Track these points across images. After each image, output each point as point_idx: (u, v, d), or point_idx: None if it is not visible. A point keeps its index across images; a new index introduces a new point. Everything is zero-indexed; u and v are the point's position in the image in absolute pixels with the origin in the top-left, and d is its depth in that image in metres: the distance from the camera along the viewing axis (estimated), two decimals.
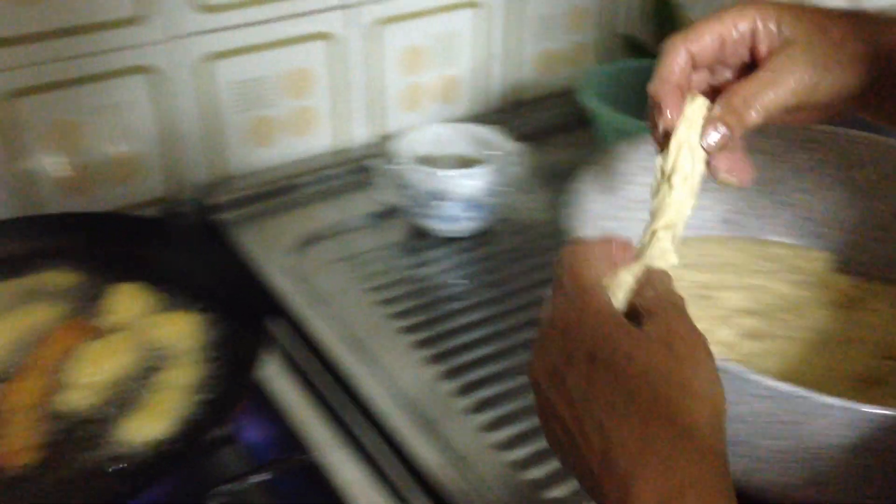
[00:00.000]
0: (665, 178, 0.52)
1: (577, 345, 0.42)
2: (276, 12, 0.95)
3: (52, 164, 0.90)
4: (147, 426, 0.66)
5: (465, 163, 0.97)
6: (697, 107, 0.53)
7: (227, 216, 0.98)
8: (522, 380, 0.77)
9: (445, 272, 0.93)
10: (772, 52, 0.53)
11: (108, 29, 0.86)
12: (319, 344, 0.81)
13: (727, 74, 0.56)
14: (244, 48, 0.95)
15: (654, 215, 0.52)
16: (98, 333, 0.74)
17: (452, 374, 0.79)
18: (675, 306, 0.44)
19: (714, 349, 0.43)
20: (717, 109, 0.52)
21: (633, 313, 0.45)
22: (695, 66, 0.54)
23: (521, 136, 0.99)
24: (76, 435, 0.66)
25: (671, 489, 0.37)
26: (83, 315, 0.76)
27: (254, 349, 0.68)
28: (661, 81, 0.53)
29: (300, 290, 0.88)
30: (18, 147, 0.87)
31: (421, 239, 0.98)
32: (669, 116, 0.52)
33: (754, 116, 0.52)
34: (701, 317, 0.60)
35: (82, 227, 0.84)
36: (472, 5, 1.10)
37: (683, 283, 0.52)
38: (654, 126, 0.54)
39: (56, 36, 0.84)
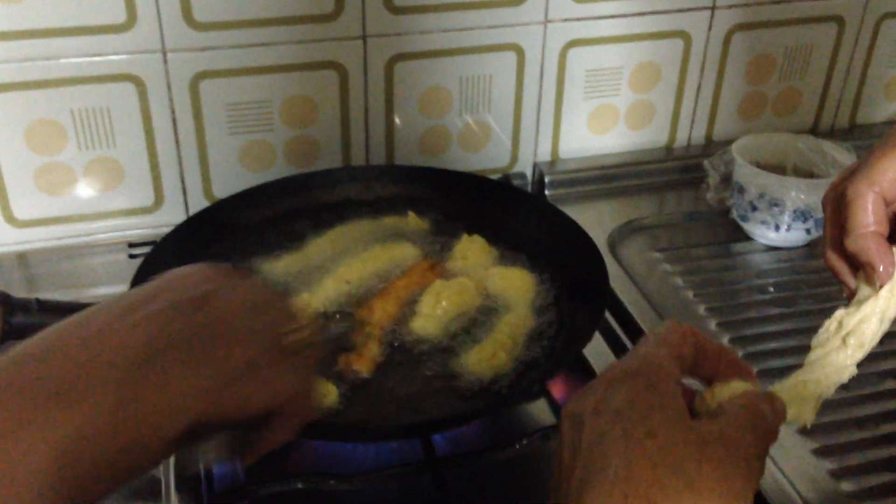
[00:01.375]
0: (840, 332, 0.49)
1: (628, 402, 0.41)
2: (635, 8, 1.00)
3: (411, 124, 1.01)
4: (484, 360, 0.74)
5: (804, 174, 0.96)
6: None
7: (557, 192, 1.05)
8: (838, 392, 0.76)
9: (762, 278, 0.94)
10: None
11: (490, 7, 0.95)
12: (630, 323, 0.85)
13: None
14: (601, 38, 1.01)
15: (812, 364, 0.49)
16: (447, 275, 0.83)
17: (762, 373, 0.79)
18: (750, 421, 0.42)
19: None
20: None
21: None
22: (887, 205, 0.49)
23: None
24: (420, 357, 0.75)
25: None
26: (435, 257, 0.86)
27: (592, 318, 0.73)
28: (861, 236, 0.48)
29: (616, 272, 0.92)
30: (393, 105, 0.99)
31: (741, 243, 0.99)
32: (882, 270, 0.48)
33: None
34: None
35: (441, 182, 0.93)
36: (834, 19, 1.08)
37: None
38: (845, 283, 0.51)
39: (442, 9, 0.94)
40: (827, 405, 0.73)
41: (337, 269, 0.82)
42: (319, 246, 0.86)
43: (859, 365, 0.77)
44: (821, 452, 0.71)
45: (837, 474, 0.69)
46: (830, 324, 0.50)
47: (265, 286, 0.52)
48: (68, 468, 0.38)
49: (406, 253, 0.86)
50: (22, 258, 0.95)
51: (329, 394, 0.70)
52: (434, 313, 0.78)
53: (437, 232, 0.90)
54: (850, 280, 0.52)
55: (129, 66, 0.88)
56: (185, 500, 0.68)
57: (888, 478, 0.69)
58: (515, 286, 0.82)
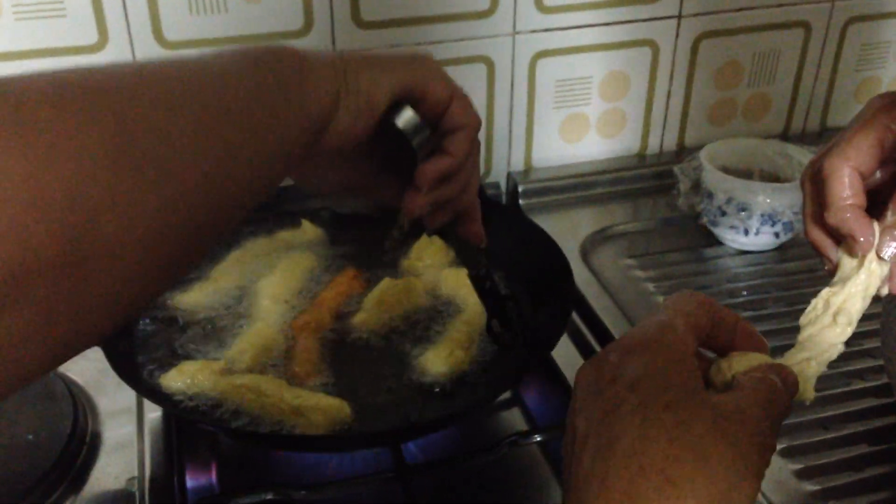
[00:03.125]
0: (828, 310, 0.50)
1: (638, 370, 0.41)
2: (603, 18, 1.01)
3: None
4: (441, 359, 0.74)
5: (771, 178, 0.97)
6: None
7: (531, 202, 1.06)
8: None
9: (732, 282, 0.95)
10: None
11: (458, 20, 0.96)
12: (603, 330, 0.86)
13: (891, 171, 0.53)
14: (570, 48, 1.02)
15: (805, 342, 0.50)
16: (374, 281, 0.84)
17: None
18: (765, 396, 0.42)
19: None
20: (890, 217, 0.50)
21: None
22: (863, 179, 0.50)
23: None
24: (372, 357, 0.76)
25: None
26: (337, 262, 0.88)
27: (558, 324, 0.74)
28: (840, 209, 0.50)
29: (588, 279, 0.93)
30: None
31: (713, 248, 1.00)
32: (863, 240, 0.49)
33: None
34: None
35: None
36: (801, 25, 1.10)
37: None
38: (827, 257, 0.52)
39: (411, 23, 0.96)
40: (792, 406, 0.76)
41: (266, 290, 0.82)
42: (226, 271, 0.85)
43: (826, 365, 0.79)
44: (786, 453, 0.72)
45: (802, 475, 0.70)
46: (817, 302, 0.51)
47: None
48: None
49: (312, 263, 0.87)
50: None
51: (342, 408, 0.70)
52: (378, 311, 0.79)
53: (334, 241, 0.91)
54: (832, 254, 0.53)
55: None
56: None
57: (852, 478, 0.70)
58: (468, 286, 0.83)
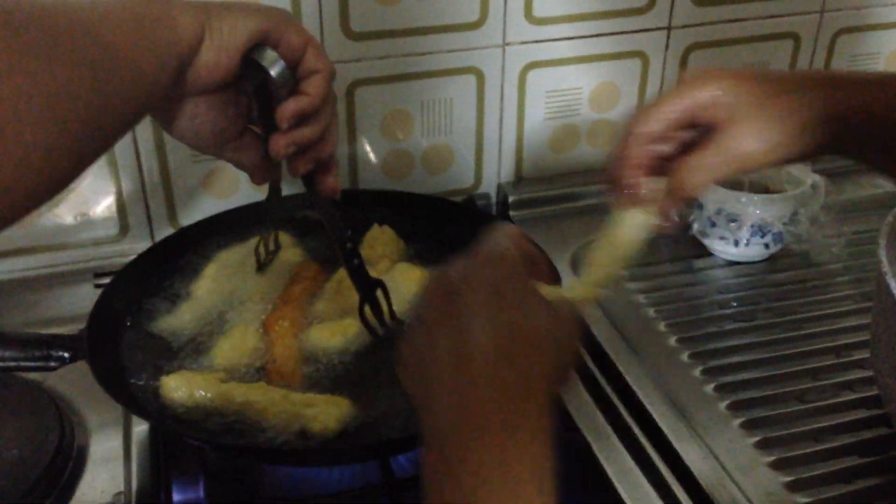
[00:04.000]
0: (609, 242, 0.59)
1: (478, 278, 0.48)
2: (592, 30, 1.02)
3: (375, 149, 1.02)
4: None
5: (761, 189, 0.97)
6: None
7: (522, 213, 1.06)
8: (795, 405, 0.78)
9: (722, 293, 0.95)
10: (726, 122, 0.55)
11: (448, 32, 0.96)
12: (593, 342, 0.86)
13: (690, 136, 0.58)
14: (560, 60, 1.02)
15: (589, 268, 0.58)
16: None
17: (721, 387, 0.80)
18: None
19: None
20: (669, 181, 0.56)
21: None
22: (658, 137, 0.57)
23: (823, 170, 0.98)
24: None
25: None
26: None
27: None
28: (621, 160, 0.57)
29: None
30: (350, 131, 1.00)
31: (703, 258, 1.00)
32: (626, 194, 0.57)
33: (700, 186, 0.56)
34: None
35: (401, 205, 0.95)
36: (790, 36, 1.10)
37: None
38: (613, 196, 0.59)
39: (400, 35, 0.96)
40: (783, 418, 0.76)
41: (246, 294, 0.83)
42: (206, 285, 0.85)
43: (816, 376, 0.79)
44: (777, 465, 0.72)
45: (793, 487, 0.70)
46: (602, 234, 0.60)
47: None
48: None
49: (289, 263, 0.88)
50: None
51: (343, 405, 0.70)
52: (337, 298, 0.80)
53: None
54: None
55: None
56: None
57: (843, 489, 0.70)
58: (414, 282, 0.83)
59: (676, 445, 0.73)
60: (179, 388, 0.70)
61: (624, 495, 0.70)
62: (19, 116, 0.40)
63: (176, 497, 0.74)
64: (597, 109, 1.07)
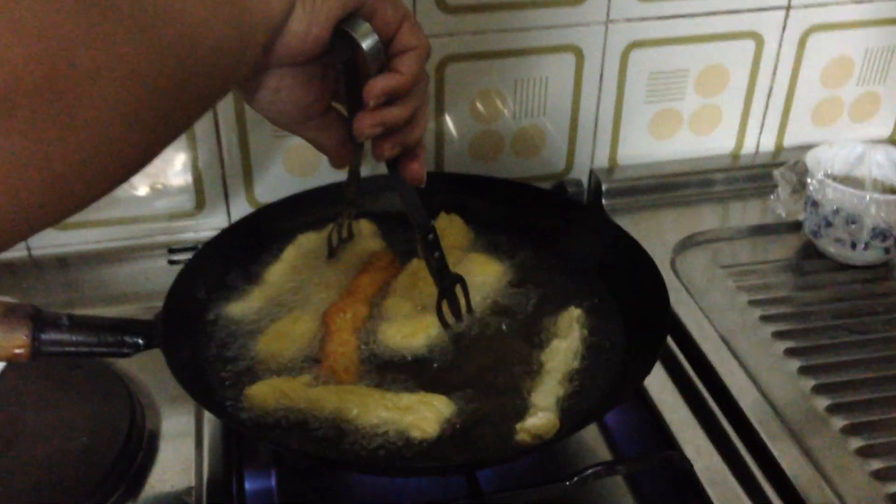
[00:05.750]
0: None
1: None
2: (705, 7, 0.94)
3: (463, 129, 0.96)
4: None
5: (882, 188, 0.89)
6: None
7: (615, 202, 0.99)
8: None
9: (836, 299, 0.87)
10: None
11: (548, 7, 0.90)
12: (690, 346, 0.80)
13: None
14: (666, 39, 0.95)
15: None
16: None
17: (825, 390, 0.74)
18: None
19: None
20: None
21: None
22: None
23: None
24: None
25: None
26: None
27: (651, 352, 0.67)
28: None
29: (676, 289, 0.86)
30: (438, 109, 0.94)
31: (812, 260, 0.92)
32: None
33: None
34: None
35: (485, 190, 0.89)
36: None
37: None
38: None
39: (497, 9, 0.89)
40: (889, 425, 0.69)
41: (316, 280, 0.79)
42: (281, 270, 0.81)
43: None
44: (862, 452, 0.68)
45: (880, 475, 0.66)
46: None
47: None
48: None
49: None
50: (62, 262, 0.93)
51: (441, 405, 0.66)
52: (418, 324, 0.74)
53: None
54: None
55: None
56: None
57: None
58: (484, 273, 0.78)
59: (770, 445, 0.68)
60: (265, 398, 0.66)
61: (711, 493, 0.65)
62: (96, 89, 0.37)
63: (248, 485, 0.70)
64: (703, 93, 1.00)
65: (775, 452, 0.68)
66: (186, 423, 0.74)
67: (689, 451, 0.68)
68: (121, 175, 0.42)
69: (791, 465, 0.67)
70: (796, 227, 0.94)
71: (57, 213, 0.39)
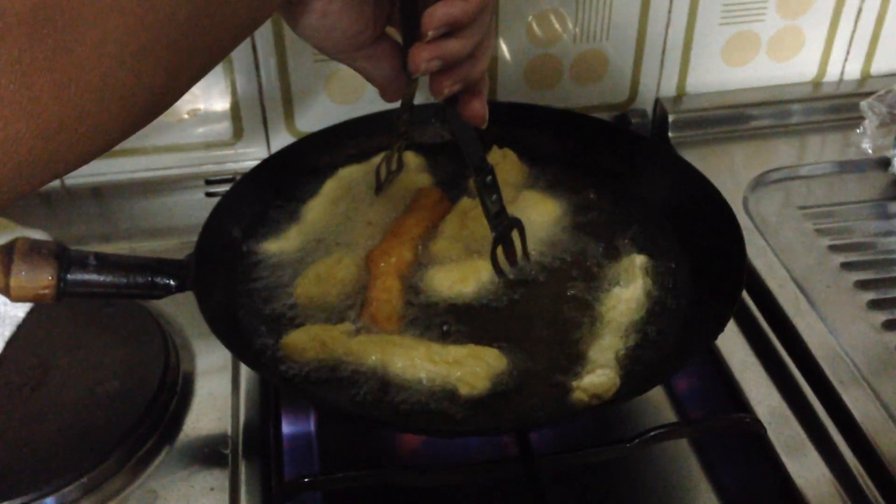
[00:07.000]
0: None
1: None
2: None
3: (516, 54, 0.90)
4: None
5: None
6: None
7: (682, 134, 0.93)
8: None
9: None
10: None
11: None
12: (765, 296, 0.74)
13: None
14: None
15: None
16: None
17: None
18: None
19: None
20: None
21: None
22: None
23: None
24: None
25: None
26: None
27: (724, 310, 0.61)
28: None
29: (749, 231, 0.80)
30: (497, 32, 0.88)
31: None
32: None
33: None
34: None
35: (542, 122, 0.82)
36: None
37: None
38: None
39: None
40: None
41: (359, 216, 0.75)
42: (319, 206, 0.77)
43: None
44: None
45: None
46: None
47: None
48: None
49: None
50: (96, 192, 0.90)
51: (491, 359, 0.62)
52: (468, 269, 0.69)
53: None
54: None
55: None
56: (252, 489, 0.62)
57: None
58: (539, 213, 0.73)
59: (853, 409, 0.63)
60: (304, 348, 0.62)
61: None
62: (98, 16, 0.34)
63: (286, 430, 0.67)
64: (784, 15, 0.92)
65: (858, 417, 0.62)
66: (223, 364, 0.71)
67: (762, 414, 0.63)
68: (129, 125, 0.39)
69: (876, 431, 0.61)
70: (884, 164, 0.87)
71: (56, 168, 0.36)
